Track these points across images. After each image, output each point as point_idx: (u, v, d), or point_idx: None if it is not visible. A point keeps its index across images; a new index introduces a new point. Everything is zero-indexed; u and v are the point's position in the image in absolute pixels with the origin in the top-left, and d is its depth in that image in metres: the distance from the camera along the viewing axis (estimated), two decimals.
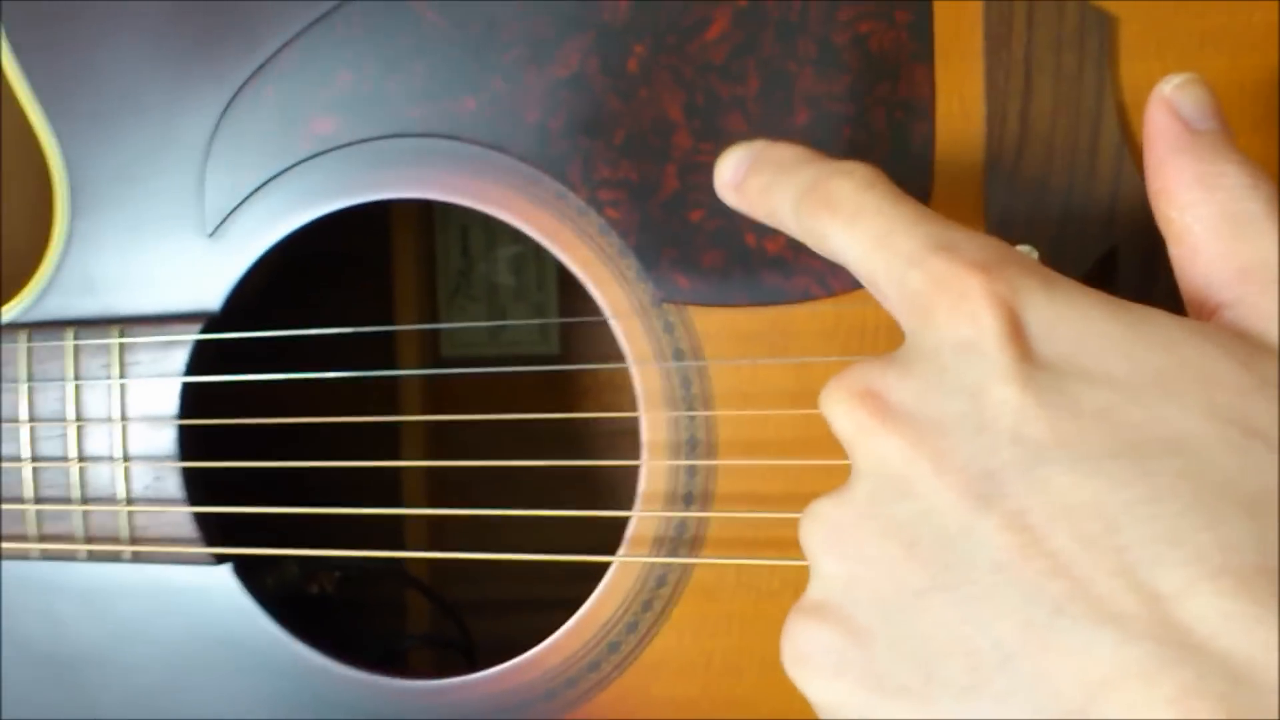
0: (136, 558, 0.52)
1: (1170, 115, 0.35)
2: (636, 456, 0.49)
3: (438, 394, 0.66)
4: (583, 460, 0.63)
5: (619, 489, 0.62)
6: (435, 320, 0.67)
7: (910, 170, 0.46)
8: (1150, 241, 0.44)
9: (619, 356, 0.49)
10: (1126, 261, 0.44)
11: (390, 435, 0.65)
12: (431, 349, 0.67)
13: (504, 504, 0.51)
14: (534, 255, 0.67)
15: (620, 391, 0.66)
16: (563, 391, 0.67)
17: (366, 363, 0.56)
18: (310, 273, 0.62)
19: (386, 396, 0.65)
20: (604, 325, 0.49)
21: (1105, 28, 0.44)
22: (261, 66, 0.51)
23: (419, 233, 0.67)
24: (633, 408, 0.49)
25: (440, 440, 0.66)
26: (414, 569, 0.65)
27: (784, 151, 0.40)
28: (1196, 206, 0.34)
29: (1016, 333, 0.31)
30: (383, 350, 0.65)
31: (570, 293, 0.65)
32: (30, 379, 0.52)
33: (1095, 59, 0.44)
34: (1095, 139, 0.44)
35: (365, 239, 0.65)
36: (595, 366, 0.62)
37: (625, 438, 0.64)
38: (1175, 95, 0.35)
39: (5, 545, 0.53)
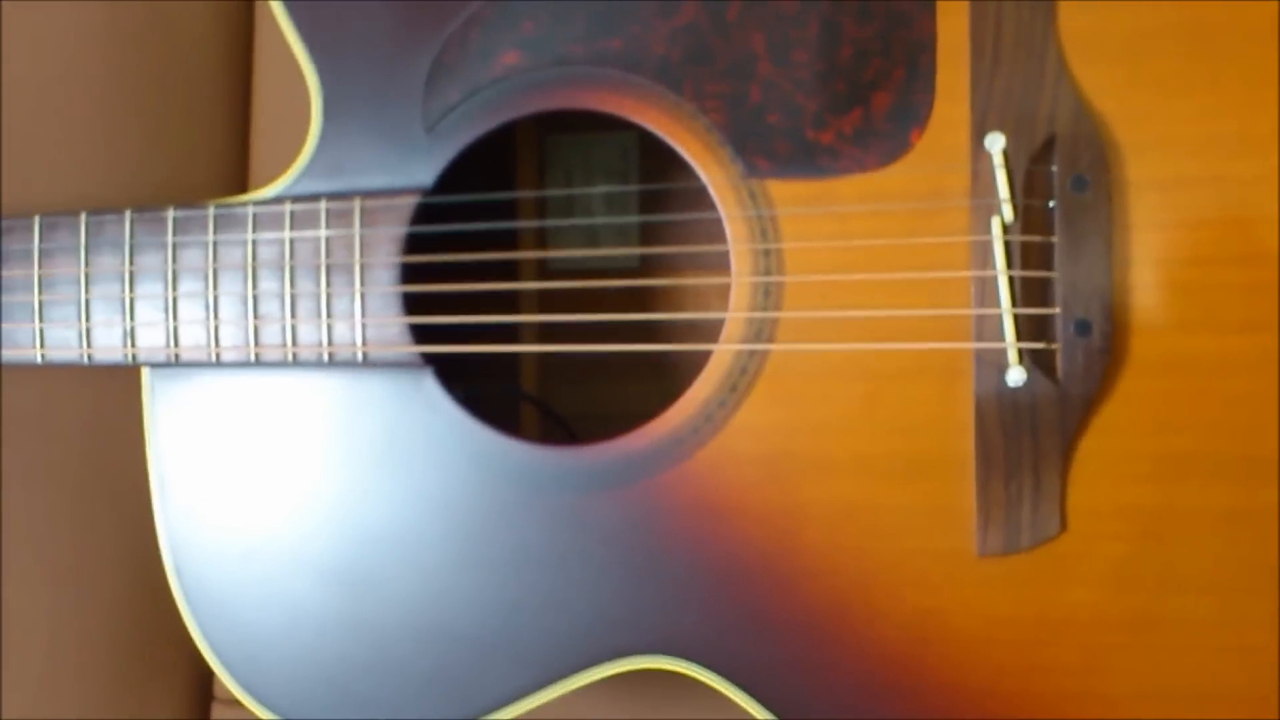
0: (367, 359, 0.73)
1: None
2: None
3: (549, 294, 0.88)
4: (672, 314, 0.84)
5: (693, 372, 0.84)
6: (545, 236, 0.89)
7: (919, 85, 0.69)
8: (1074, 130, 0.66)
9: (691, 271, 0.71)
10: (1062, 146, 0.67)
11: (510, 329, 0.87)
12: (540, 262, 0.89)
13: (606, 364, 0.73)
14: (620, 192, 0.89)
15: (699, 297, 0.87)
16: (648, 298, 0.88)
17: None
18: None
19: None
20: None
21: None
22: (467, 19, 0.73)
23: (535, 171, 0.89)
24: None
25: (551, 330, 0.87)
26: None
27: None
28: None
29: None
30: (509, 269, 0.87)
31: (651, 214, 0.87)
32: (291, 230, 0.74)
33: (1043, 10, 0.67)
34: (1043, 62, 0.67)
35: (492, 179, 0.87)
36: (694, 216, 0.83)
37: (702, 334, 0.86)
38: None
39: (270, 351, 0.74)
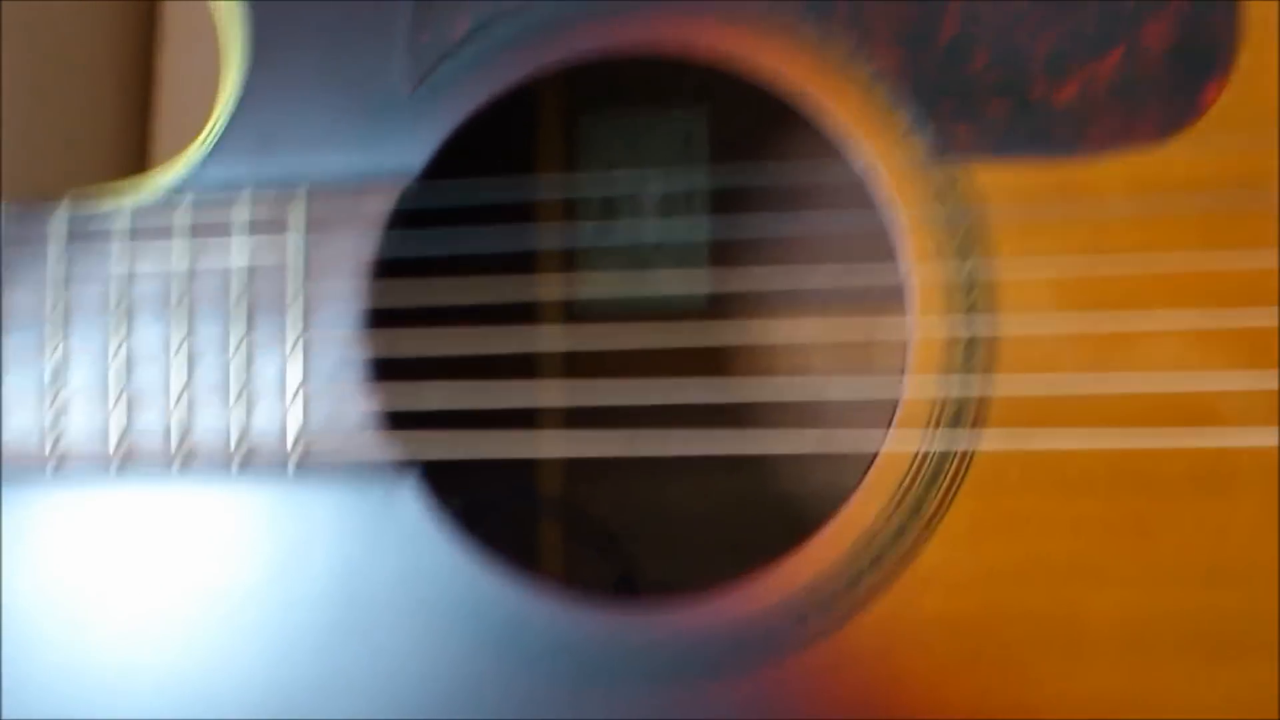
0: (308, 463, 0.45)
1: None
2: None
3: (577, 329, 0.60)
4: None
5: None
6: (573, 260, 0.61)
7: (1213, 15, 0.42)
8: None
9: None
10: None
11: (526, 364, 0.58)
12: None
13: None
14: (683, 198, 0.62)
15: (773, 353, 0.60)
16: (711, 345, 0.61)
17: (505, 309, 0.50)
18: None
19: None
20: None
21: None
22: None
23: (561, 165, 0.61)
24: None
25: (578, 368, 0.59)
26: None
27: None
28: None
29: None
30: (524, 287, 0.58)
31: (724, 239, 0.59)
32: (192, 238, 0.45)
33: None
34: None
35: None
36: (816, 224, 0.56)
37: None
38: None
39: (144, 454, 0.45)
